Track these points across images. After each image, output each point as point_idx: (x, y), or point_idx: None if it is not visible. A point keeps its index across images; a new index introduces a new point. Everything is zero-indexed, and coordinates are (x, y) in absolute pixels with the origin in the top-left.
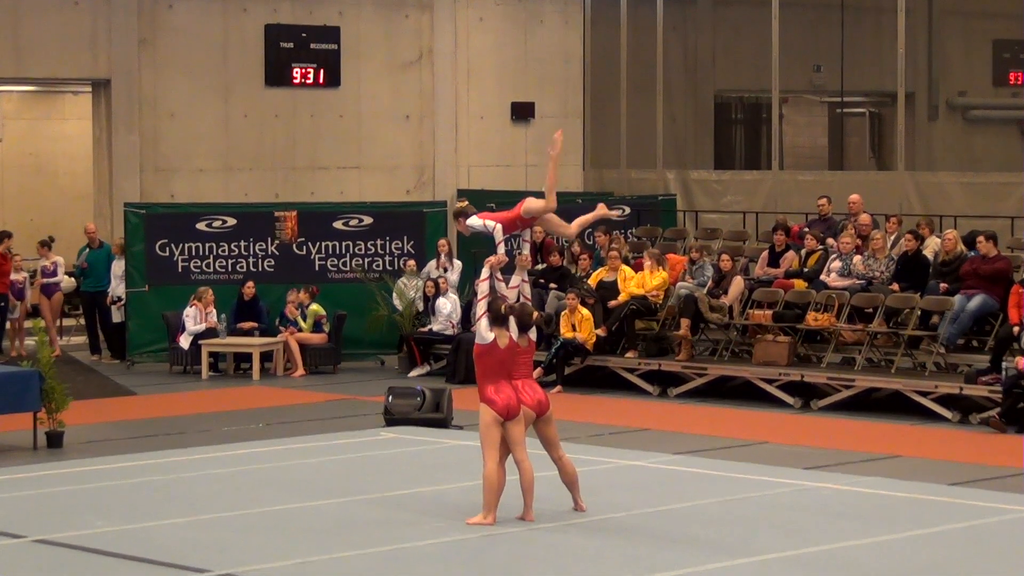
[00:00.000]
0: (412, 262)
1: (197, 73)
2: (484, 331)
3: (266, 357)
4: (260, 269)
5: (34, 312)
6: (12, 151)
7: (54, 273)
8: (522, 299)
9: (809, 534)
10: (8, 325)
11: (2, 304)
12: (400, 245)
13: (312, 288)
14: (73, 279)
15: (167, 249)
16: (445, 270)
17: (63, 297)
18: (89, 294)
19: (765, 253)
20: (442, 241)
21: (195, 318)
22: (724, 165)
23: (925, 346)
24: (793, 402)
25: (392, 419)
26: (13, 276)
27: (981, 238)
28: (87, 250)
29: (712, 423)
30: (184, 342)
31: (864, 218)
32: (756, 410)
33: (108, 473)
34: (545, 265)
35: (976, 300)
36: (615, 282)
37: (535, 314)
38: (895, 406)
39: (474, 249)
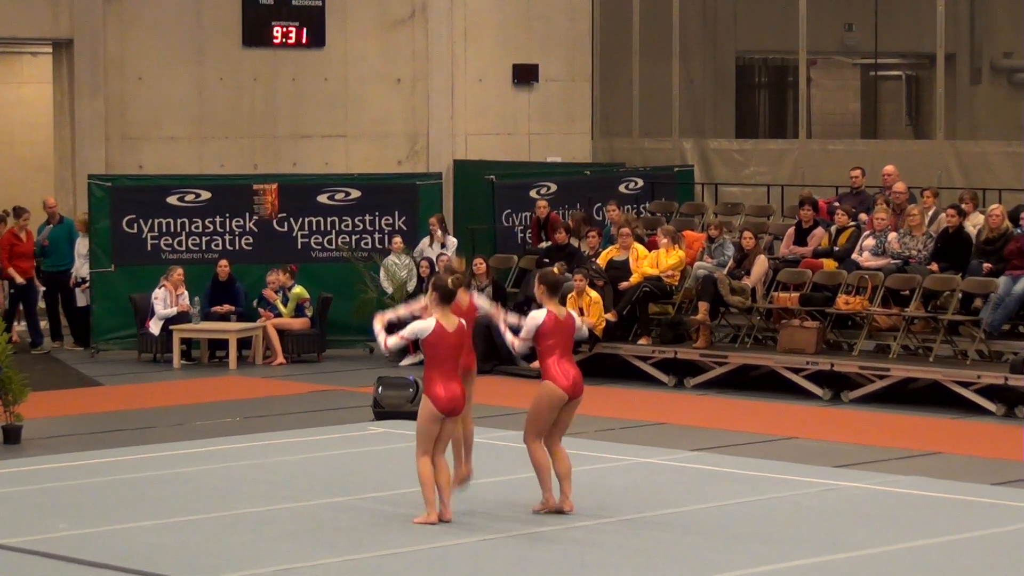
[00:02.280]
0: (398, 239)
1: (168, 32)
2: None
3: (244, 344)
4: (237, 247)
5: None
6: None
7: None
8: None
9: (839, 539)
10: None
11: (13, 290)
12: (391, 221)
13: (290, 267)
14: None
15: (135, 225)
16: (443, 245)
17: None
18: (50, 275)
19: (791, 230)
20: (433, 219)
21: (165, 301)
22: (746, 133)
23: (966, 332)
24: (822, 394)
25: (382, 412)
26: None
27: None
28: (48, 227)
29: (733, 416)
30: (154, 327)
31: (899, 186)
32: (781, 402)
33: (70, 471)
34: (550, 243)
35: (1023, 282)
36: (627, 262)
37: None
38: (933, 398)
39: (471, 226)
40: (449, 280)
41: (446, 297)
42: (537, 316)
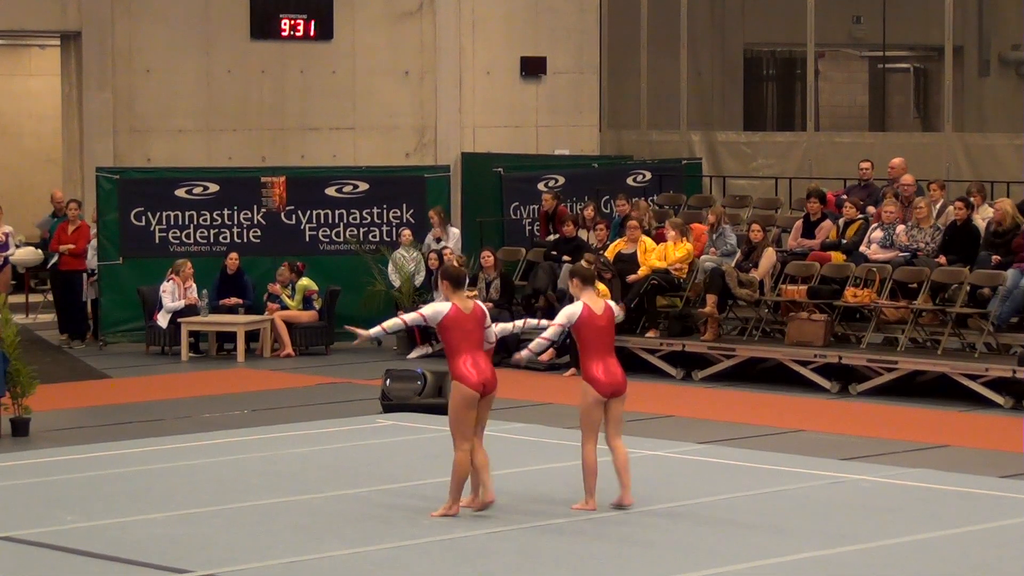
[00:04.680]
0: (407, 232)
1: (176, 24)
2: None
3: (252, 337)
4: (245, 240)
5: None
6: None
7: (4, 245)
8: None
9: (846, 531)
10: None
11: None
12: (399, 214)
13: (297, 264)
14: (37, 251)
15: (143, 218)
16: (439, 240)
17: (12, 273)
18: (60, 268)
19: (799, 223)
20: (432, 212)
21: (173, 294)
22: (754, 126)
23: (975, 325)
24: (830, 386)
25: (390, 404)
26: None
27: None
28: (53, 219)
29: (741, 409)
30: (162, 320)
31: (907, 178)
32: (789, 395)
33: (79, 464)
34: (557, 236)
35: None
36: (635, 254)
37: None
38: (941, 391)
39: (479, 218)
40: (456, 263)
41: (456, 283)
42: (574, 308)
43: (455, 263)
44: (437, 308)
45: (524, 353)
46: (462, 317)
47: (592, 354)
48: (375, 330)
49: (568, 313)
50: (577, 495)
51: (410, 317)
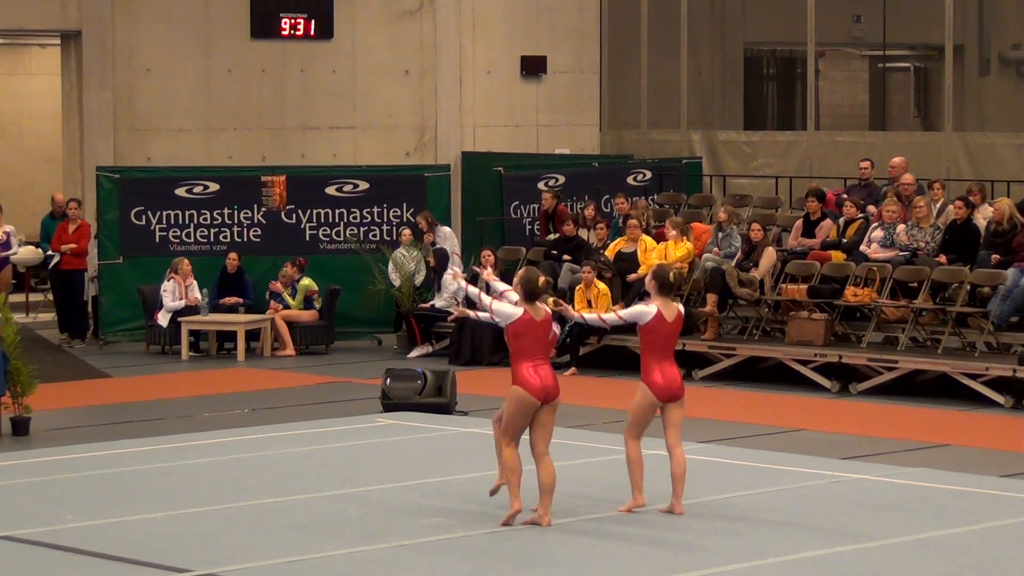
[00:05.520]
0: (407, 231)
1: (176, 24)
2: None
3: (252, 336)
4: (245, 239)
5: None
6: None
7: (7, 244)
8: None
9: (847, 531)
10: None
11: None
12: (399, 213)
13: (299, 260)
14: (37, 250)
15: (143, 217)
16: (433, 244)
17: (12, 272)
18: (60, 267)
19: (799, 222)
20: (419, 218)
21: (173, 293)
22: (755, 125)
23: (975, 324)
24: (830, 385)
25: (390, 404)
26: None
27: None
28: (54, 220)
29: (741, 408)
30: (162, 319)
31: (907, 177)
32: (789, 394)
33: (79, 463)
34: (558, 235)
35: None
36: (635, 253)
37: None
38: (942, 390)
39: (480, 217)
40: (540, 280)
41: (531, 296)
42: (648, 310)
43: (537, 275)
44: (510, 311)
45: (575, 314)
46: (533, 324)
47: (653, 357)
48: (471, 289)
49: (639, 312)
50: (577, 494)
51: (486, 300)
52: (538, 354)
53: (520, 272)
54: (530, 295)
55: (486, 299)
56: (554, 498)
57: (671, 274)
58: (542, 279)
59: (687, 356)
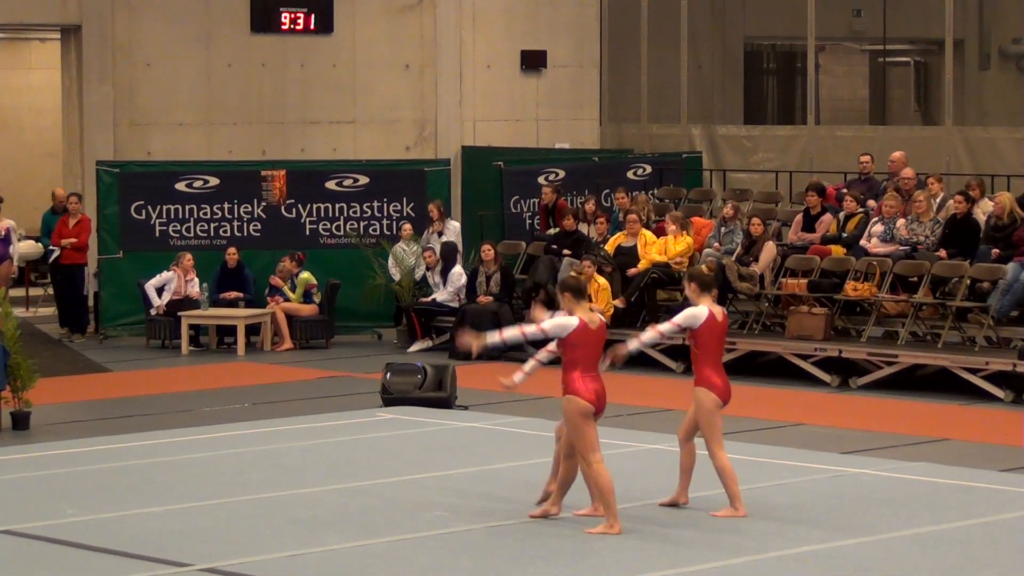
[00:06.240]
0: (408, 226)
1: (176, 18)
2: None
3: (252, 330)
4: (245, 233)
5: None
6: None
7: (6, 239)
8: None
9: (847, 525)
10: None
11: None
12: (399, 207)
13: (298, 254)
14: (37, 244)
15: (143, 211)
16: (440, 234)
17: (11, 267)
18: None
19: (799, 216)
20: (431, 206)
21: (169, 285)
22: (755, 119)
23: (975, 318)
24: (830, 380)
25: (390, 398)
26: None
27: None
28: (55, 215)
29: (741, 403)
30: (153, 298)
31: (907, 172)
32: (789, 388)
33: (79, 457)
34: (558, 230)
35: None
36: (635, 248)
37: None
38: (942, 384)
39: (480, 212)
40: (581, 277)
41: (577, 294)
42: (700, 312)
43: (574, 274)
44: (563, 323)
45: (632, 344)
46: (588, 333)
47: (710, 359)
48: (493, 338)
49: (692, 315)
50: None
51: (530, 331)
52: (591, 366)
53: (561, 280)
54: (578, 293)
55: (531, 328)
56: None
57: (704, 268)
58: (582, 276)
59: (687, 351)
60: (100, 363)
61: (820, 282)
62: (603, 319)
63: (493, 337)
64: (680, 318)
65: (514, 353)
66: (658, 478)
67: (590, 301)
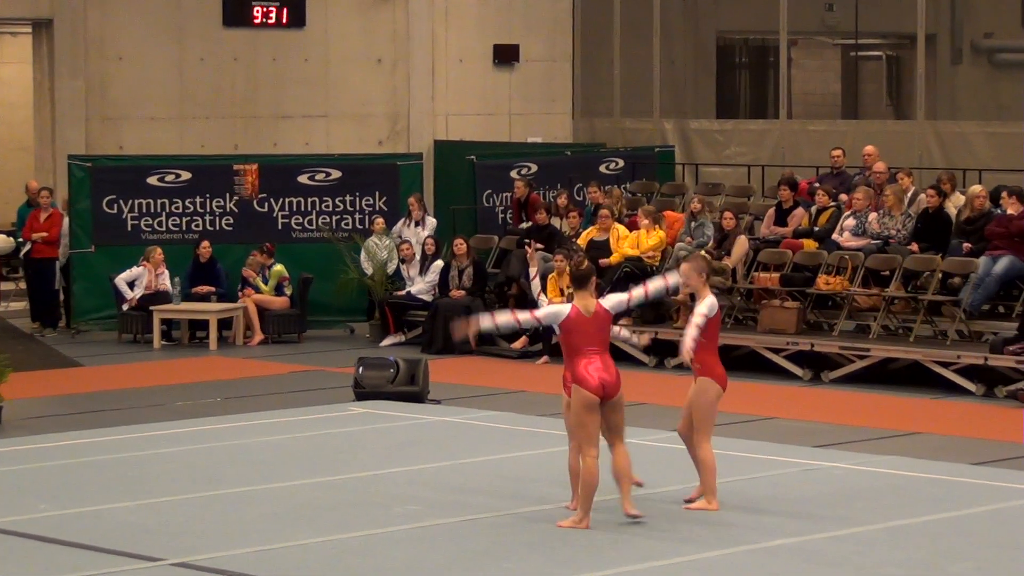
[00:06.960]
0: (380, 220)
1: (148, 12)
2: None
3: (224, 325)
4: (217, 228)
5: None
6: None
7: None
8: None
9: (819, 518)
10: None
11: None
12: (371, 201)
13: (267, 246)
14: (9, 239)
15: (115, 206)
16: (418, 224)
17: None
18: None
19: (772, 210)
20: (412, 199)
21: (140, 279)
22: (727, 114)
23: (947, 312)
24: (802, 374)
25: (363, 392)
26: None
27: (1005, 194)
28: (29, 209)
29: None
30: (126, 290)
31: (879, 166)
32: (762, 382)
33: (51, 452)
34: (530, 224)
35: (1003, 262)
36: (607, 242)
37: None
38: (914, 378)
39: (452, 206)
40: (583, 264)
41: (581, 282)
42: (713, 301)
43: (580, 261)
44: (556, 311)
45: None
46: (583, 320)
47: (714, 349)
48: (486, 323)
49: (712, 304)
50: (556, 480)
51: (523, 317)
52: (593, 350)
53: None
54: (578, 281)
55: (524, 315)
56: (530, 487)
57: (703, 252)
58: (584, 263)
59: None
60: (72, 357)
61: (792, 276)
62: (602, 304)
63: (486, 321)
64: (705, 307)
65: (484, 347)
66: (656, 475)
67: (593, 289)
